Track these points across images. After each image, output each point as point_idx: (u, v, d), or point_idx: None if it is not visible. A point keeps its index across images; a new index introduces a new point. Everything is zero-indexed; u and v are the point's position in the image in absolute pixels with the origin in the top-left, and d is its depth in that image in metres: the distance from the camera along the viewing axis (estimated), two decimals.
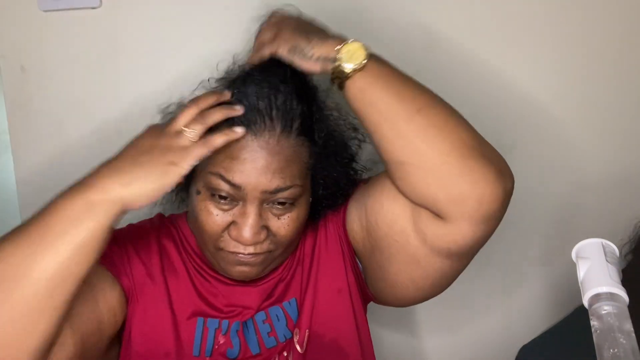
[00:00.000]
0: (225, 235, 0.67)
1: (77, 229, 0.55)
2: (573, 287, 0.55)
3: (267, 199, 0.65)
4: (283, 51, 0.66)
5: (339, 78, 0.63)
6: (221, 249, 0.68)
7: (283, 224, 0.67)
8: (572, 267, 0.55)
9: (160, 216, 0.80)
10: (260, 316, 0.73)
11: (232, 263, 0.68)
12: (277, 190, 0.65)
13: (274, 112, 0.65)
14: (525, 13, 0.93)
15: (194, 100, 0.64)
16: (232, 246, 0.67)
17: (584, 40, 0.94)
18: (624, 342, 0.44)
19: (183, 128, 0.61)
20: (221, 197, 0.65)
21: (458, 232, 0.61)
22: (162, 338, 0.70)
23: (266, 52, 0.68)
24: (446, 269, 0.68)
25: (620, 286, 0.49)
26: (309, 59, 0.64)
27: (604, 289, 0.49)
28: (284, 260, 0.75)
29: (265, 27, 0.71)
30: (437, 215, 0.62)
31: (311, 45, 0.64)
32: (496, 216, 0.62)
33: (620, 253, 0.57)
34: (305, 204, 0.70)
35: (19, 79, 0.91)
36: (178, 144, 0.60)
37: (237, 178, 0.64)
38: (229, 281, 0.73)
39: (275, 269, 0.75)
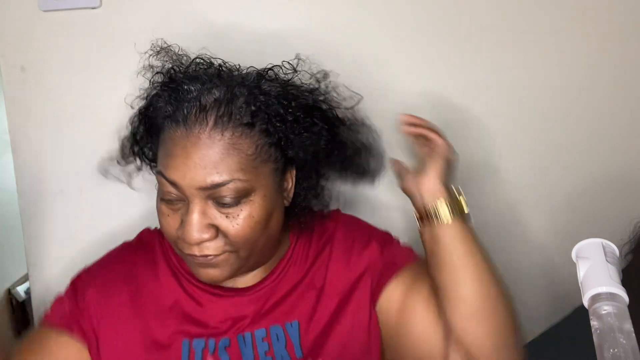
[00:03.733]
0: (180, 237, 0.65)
1: None
2: (573, 287, 0.55)
3: (209, 195, 0.62)
4: (446, 154, 0.73)
5: (438, 216, 0.68)
6: (182, 252, 0.66)
7: (232, 222, 0.63)
8: (572, 267, 0.55)
9: (140, 237, 0.79)
10: (260, 333, 0.71)
11: (196, 265, 0.66)
12: (215, 186, 0.62)
13: (208, 105, 0.63)
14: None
15: None
16: (187, 248, 0.64)
17: (582, 40, 0.94)
18: (624, 342, 0.44)
19: None
20: (167, 197, 0.64)
21: None
22: None
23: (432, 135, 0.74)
24: None
25: (620, 286, 0.49)
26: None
27: (604, 289, 0.49)
28: (265, 261, 0.73)
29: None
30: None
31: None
32: None
33: (620, 253, 0.57)
34: (262, 200, 0.65)
35: (19, 79, 0.91)
36: None
37: (172, 175, 0.62)
38: (220, 292, 0.72)
39: (266, 277, 0.73)
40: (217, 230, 0.64)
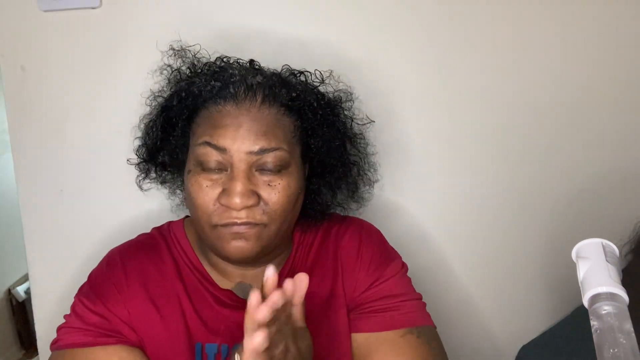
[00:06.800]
0: (218, 208, 0.67)
1: None
2: (573, 287, 0.55)
3: (254, 162, 0.67)
4: None
5: None
6: (215, 226, 0.67)
7: (274, 190, 0.68)
8: (572, 267, 0.55)
9: (151, 235, 0.79)
10: None
11: (227, 239, 0.67)
12: (262, 151, 0.66)
13: (255, 84, 0.69)
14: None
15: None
16: (225, 217, 0.66)
17: (582, 41, 0.94)
18: (624, 342, 0.44)
19: None
20: (210, 166, 0.67)
21: None
22: None
23: None
24: None
25: (620, 286, 0.49)
26: None
27: (604, 289, 0.48)
28: (276, 256, 0.75)
29: None
30: None
31: None
32: None
33: (620, 253, 0.57)
34: (297, 175, 0.70)
35: (19, 79, 0.91)
36: None
37: (222, 141, 0.66)
38: (229, 302, 0.73)
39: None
40: (259, 198, 0.67)
